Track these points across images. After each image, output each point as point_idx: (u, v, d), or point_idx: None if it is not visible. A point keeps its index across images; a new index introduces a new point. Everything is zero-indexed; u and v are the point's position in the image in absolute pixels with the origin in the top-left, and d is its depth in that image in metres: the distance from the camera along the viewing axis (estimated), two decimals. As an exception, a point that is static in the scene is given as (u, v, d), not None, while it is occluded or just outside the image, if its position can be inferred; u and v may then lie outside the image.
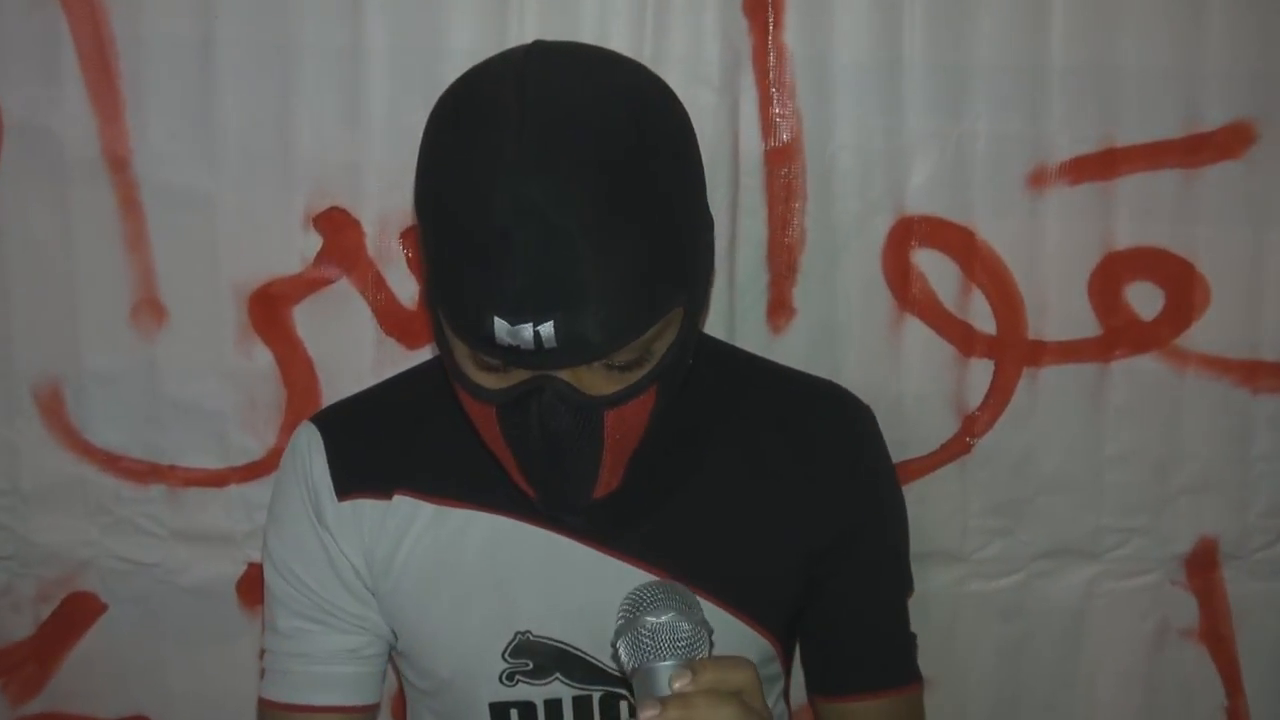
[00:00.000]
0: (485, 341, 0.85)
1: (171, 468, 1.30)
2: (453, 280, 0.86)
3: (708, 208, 0.94)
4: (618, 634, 0.84)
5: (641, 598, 0.84)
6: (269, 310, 1.26)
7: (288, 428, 1.28)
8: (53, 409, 1.29)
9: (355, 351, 1.27)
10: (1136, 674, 1.34)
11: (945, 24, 1.19)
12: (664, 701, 0.78)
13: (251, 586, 1.32)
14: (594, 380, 0.87)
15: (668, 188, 0.87)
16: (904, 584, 1.13)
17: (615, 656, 0.84)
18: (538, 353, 0.83)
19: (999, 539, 1.31)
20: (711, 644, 0.84)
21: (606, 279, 0.82)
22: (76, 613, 1.34)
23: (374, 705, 1.08)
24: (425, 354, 1.26)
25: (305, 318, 1.26)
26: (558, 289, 0.82)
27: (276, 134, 1.22)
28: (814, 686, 1.13)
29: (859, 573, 1.07)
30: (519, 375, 0.88)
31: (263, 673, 1.08)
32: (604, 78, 0.88)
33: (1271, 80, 1.22)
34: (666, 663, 0.81)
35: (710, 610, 0.98)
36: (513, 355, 0.85)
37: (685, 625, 0.82)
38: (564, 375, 0.86)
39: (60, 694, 1.37)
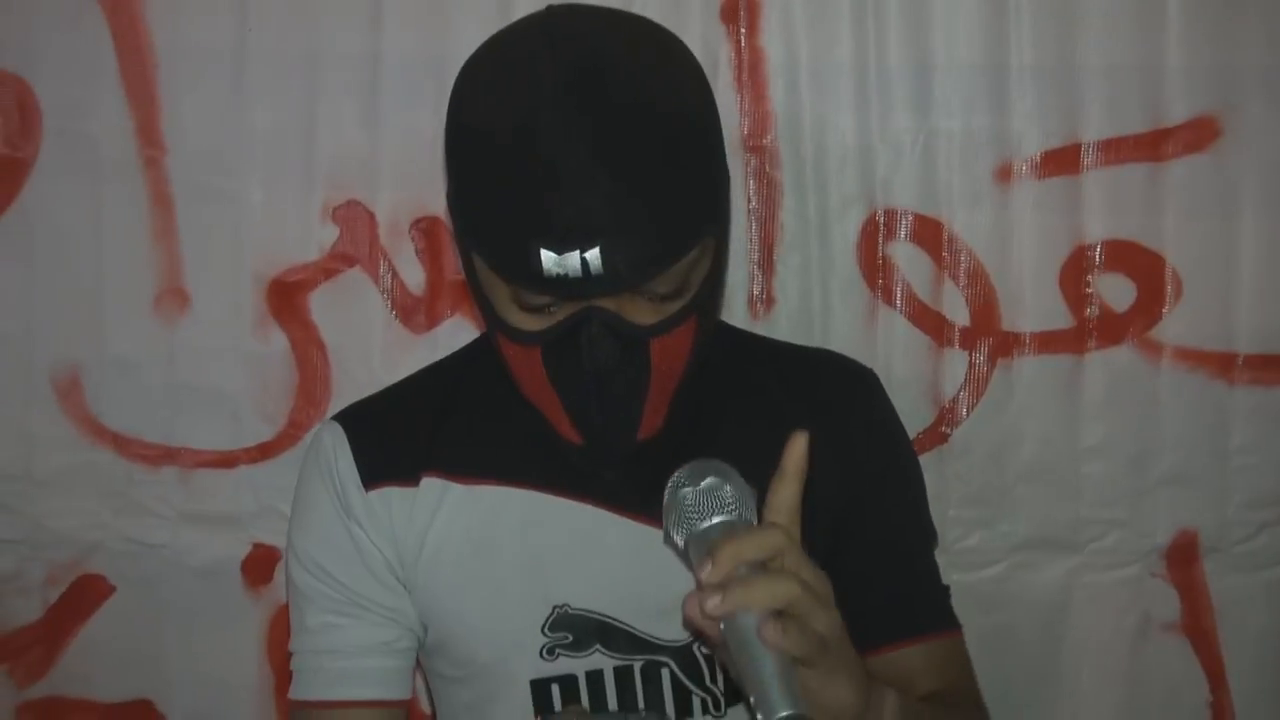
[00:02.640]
0: (533, 276, 0.86)
1: (183, 450, 1.34)
2: (496, 219, 0.88)
3: (725, 153, 0.96)
4: (664, 517, 0.82)
5: (679, 478, 0.83)
6: (287, 297, 1.32)
7: (298, 410, 1.33)
8: (71, 396, 1.33)
9: (365, 335, 1.32)
10: (1119, 668, 1.32)
11: (912, 26, 1.25)
12: (711, 552, 0.75)
13: (256, 566, 1.36)
14: (637, 311, 0.89)
15: (695, 117, 0.90)
16: (927, 534, 1.12)
17: (669, 541, 0.83)
18: (585, 280, 0.85)
19: (979, 530, 1.31)
20: (757, 507, 0.81)
21: (647, 204, 0.85)
22: (85, 595, 1.37)
23: (406, 700, 1.06)
24: (430, 339, 1.32)
25: (320, 304, 1.32)
26: (603, 215, 0.84)
27: (301, 134, 1.29)
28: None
29: (883, 523, 1.07)
30: (563, 313, 0.89)
31: (291, 676, 1.06)
32: (624, 24, 0.94)
33: (1232, 76, 1.24)
34: (715, 520, 0.79)
35: None
36: (559, 286, 0.86)
37: (727, 488, 0.80)
38: (608, 305, 0.88)
39: (65, 678, 1.39)
